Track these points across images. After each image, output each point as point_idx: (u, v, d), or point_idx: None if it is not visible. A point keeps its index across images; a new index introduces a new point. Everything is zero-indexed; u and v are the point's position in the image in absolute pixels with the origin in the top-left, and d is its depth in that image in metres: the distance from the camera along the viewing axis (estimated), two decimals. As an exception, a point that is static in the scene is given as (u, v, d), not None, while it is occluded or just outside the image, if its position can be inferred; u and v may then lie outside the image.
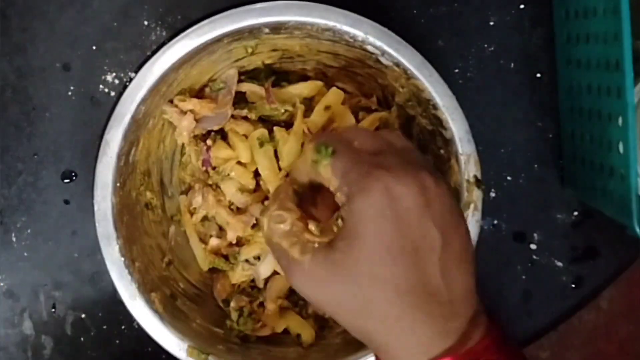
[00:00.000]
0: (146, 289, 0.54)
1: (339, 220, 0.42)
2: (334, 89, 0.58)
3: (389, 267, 0.40)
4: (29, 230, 0.58)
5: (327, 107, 0.57)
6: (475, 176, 0.53)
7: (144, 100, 0.53)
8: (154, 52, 0.54)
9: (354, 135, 0.45)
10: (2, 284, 0.58)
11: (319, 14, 0.53)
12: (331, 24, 0.53)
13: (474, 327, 0.42)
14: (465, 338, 0.41)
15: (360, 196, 0.41)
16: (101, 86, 0.58)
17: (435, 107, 0.53)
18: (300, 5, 0.53)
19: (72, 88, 0.58)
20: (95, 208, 0.53)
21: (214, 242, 0.59)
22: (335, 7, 0.53)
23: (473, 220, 0.53)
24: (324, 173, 0.44)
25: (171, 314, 0.55)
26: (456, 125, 0.53)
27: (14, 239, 0.58)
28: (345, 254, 0.41)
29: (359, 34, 0.53)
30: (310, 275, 0.42)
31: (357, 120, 0.58)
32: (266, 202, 0.54)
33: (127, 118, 0.53)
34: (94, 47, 0.57)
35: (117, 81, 0.58)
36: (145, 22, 0.58)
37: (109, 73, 0.58)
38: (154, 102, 0.55)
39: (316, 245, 0.43)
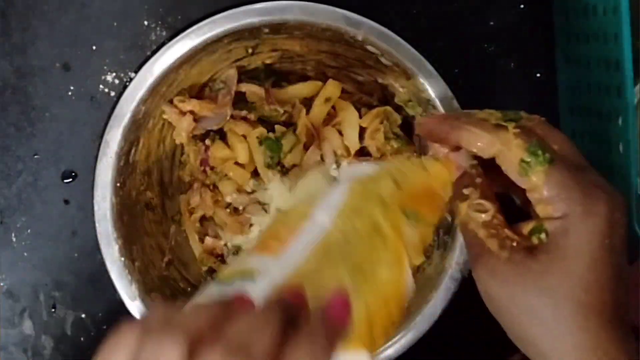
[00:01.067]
0: (146, 289, 0.54)
1: (543, 234, 0.41)
2: (331, 81, 0.58)
3: (597, 296, 0.39)
4: (29, 230, 0.58)
5: (327, 100, 0.57)
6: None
7: (143, 100, 0.53)
8: (154, 52, 0.54)
9: (550, 137, 0.43)
10: (2, 284, 0.58)
11: (318, 14, 0.53)
12: (331, 24, 0.53)
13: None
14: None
15: (583, 219, 0.40)
16: (101, 86, 0.58)
17: (435, 107, 0.53)
18: (300, 6, 0.53)
19: (72, 88, 0.58)
20: (95, 208, 0.53)
21: (208, 241, 0.59)
22: (335, 7, 0.53)
23: None
24: (535, 178, 0.41)
25: None
26: None
27: (14, 239, 0.58)
28: (548, 269, 0.40)
29: (359, 34, 0.53)
30: (501, 272, 0.41)
31: (360, 115, 0.58)
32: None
33: (127, 118, 0.53)
34: (94, 47, 0.57)
35: (117, 81, 0.58)
36: (145, 22, 0.58)
37: (109, 73, 0.58)
38: (154, 102, 0.55)
39: (515, 244, 0.41)
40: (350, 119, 0.57)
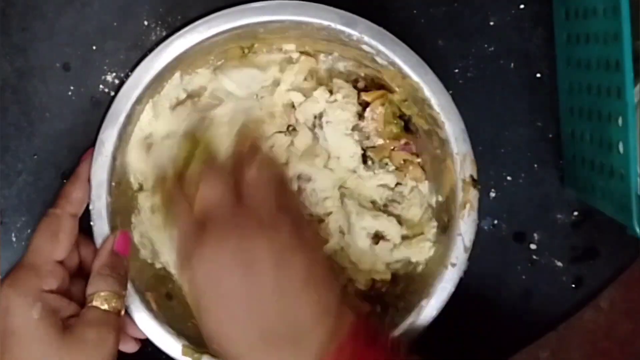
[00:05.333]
0: (141, 288, 0.54)
1: None
2: (303, 57, 0.57)
3: (225, 335, 0.46)
4: (29, 230, 0.58)
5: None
6: (471, 176, 0.53)
7: (139, 100, 0.53)
8: (149, 51, 0.54)
9: (202, 190, 0.49)
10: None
11: (313, 13, 0.52)
12: (326, 23, 0.52)
13: (330, 343, 0.44)
14: (321, 356, 0.44)
15: (183, 274, 0.49)
16: (101, 86, 0.58)
17: (430, 106, 0.53)
18: (295, 5, 0.53)
19: (72, 88, 0.58)
20: (91, 207, 0.53)
21: None
22: (330, 7, 0.52)
23: (470, 220, 0.53)
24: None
25: (166, 313, 0.55)
26: (451, 125, 0.53)
27: (14, 239, 0.58)
28: (199, 320, 0.48)
29: (354, 33, 0.53)
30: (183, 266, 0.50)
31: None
32: None
33: (121, 117, 0.53)
34: (94, 47, 0.57)
35: (117, 81, 0.58)
36: (145, 22, 0.58)
37: (109, 73, 0.58)
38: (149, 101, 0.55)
39: None
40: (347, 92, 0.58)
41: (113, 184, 0.54)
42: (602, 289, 0.62)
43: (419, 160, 0.58)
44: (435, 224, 0.57)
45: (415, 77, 0.53)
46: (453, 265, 0.53)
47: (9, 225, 0.58)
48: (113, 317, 0.50)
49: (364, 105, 0.57)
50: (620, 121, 0.48)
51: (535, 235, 0.61)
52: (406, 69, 0.53)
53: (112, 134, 0.53)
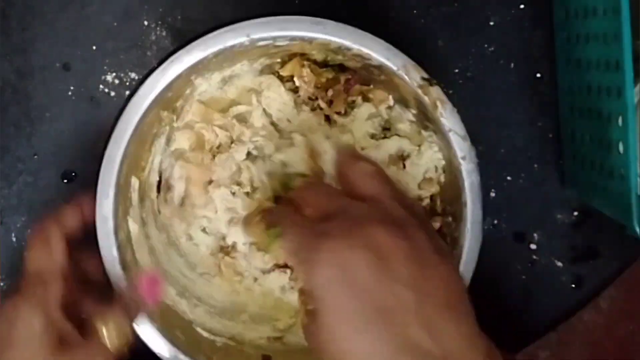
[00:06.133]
0: None
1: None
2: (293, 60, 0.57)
3: (356, 342, 0.38)
4: (29, 230, 0.58)
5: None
6: (422, 77, 0.53)
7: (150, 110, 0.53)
8: (160, 61, 0.54)
9: (307, 196, 0.44)
10: (2, 284, 0.58)
11: (313, 29, 0.53)
12: (330, 38, 0.53)
13: None
14: None
15: (311, 273, 0.39)
16: (101, 86, 0.58)
17: (349, 48, 0.53)
18: (312, 21, 0.53)
19: (72, 88, 0.58)
20: (98, 209, 0.53)
21: None
22: (327, 20, 0.53)
23: (448, 113, 0.52)
24: (280, 256, 0.45)
25: (165, 314, 0.55)
26: (377, 51, 0.52)
27: (14, 239, 0.58)
28: (315, 330, 0.40)
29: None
30: (307, 340, 0.42)
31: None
32: None
33: (128, 134, 0.53)
34: (94, 47, 0.57)
35: (117, 81, 0.58)
36: (145, 22, 0.58)
37: (109, 73, 0.58)
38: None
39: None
40: None
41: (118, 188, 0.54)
42: (602, 289, 0.62)
43: (371, 86, 0.58)
44: (425, 132, 0.57)
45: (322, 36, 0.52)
46: (463, 158, 0.53)
47: (9, 225, 0.58)
48: (106, 350, 0.47)
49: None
50: (620, 121, 0.48)
51: (535, 235, 0.61)
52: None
53: (119, 150, 0.53)
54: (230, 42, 0.52)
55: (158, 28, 0.58)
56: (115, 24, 0.58)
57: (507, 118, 0.60)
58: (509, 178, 0.61)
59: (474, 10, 0.60)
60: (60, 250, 0.49)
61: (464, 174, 0.53)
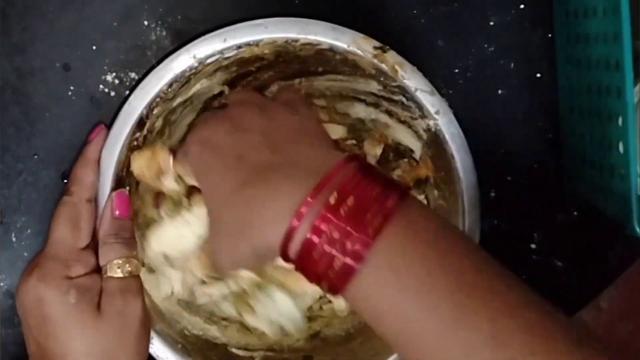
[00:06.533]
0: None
1: None
2: None
3: (216, 184, 0.44)
4: (29, 230, 0.58)
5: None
6: (374, 47, 0.53)
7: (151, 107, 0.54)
8: (162, 59, 0.54)
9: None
10: (2, 284, 0.58)
11: (306, 30, 0.53)
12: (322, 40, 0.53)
13: (328, 171, 0.40)
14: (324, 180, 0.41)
15: (187, 156, 0.48)
16: (101, 86, 0.58)
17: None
18: (326, 25, 0.53)
19: (72, 88, 0.57)
20: (99, 210, 0.54)
21: None
22: (267, 19, 0.53)
23: (410, 75, 0.53)
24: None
25: (197, 346, 0.56)
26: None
27: (14, 239, 0.58)
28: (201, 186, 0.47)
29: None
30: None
31: None
32: None
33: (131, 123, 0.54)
34: (94, 47, 0.57)
35: (117, 81, 0.58)
36: (145, 22, 0.58)
37: (109, 73, 0.58)
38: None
39: None
40: None
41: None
42: (602, 289, 0.62)
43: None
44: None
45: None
46: (437, 113, 0.54)
47: (9, 225, 0.58)
48: (131, 281, 0.51)
49: None
50: (620, 121, 0.48)
51: (535, 235, 0.61)
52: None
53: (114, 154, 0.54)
54: (180, 67, 0.53)
55: (158, 28, 0.58)
56: (115, 24, 0.57)
57: (507, 118, 0.60)
58: (509, 178, 0.61)
59: (474, 10, 0.60)
60: (87, 234, 0.52)
61: (443, 128, 0.54)
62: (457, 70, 0.60)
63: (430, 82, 0.54)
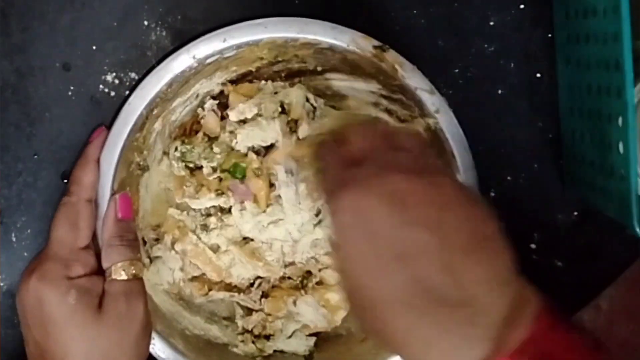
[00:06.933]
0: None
1: None
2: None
3: (375, 287, 0.38)
4: (29, 230, 0.58)
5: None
6: (373, 46, 0.53)
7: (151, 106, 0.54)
8: (161, 59, 0.54)
9: (351, 136, 0.45)
10: (2, 284, 0.58)
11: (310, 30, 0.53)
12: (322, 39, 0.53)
13: (512, 325, 0.37)
14: (500, 341, 0.37)
15: (333, 214, 0.41)
16: (101, 86, 0.58)
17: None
18: (319, 23, 0.54)
19: (72, 88, 0.57)
20: (98, 210, 0.54)
21: None
22: (267, 19, 0.53)
23: (409, 73, 0.53)
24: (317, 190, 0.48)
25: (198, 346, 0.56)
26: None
27: (14, 239, 0.58)
28: (343, 275, 0.41)
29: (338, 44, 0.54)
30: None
31: None
32: None
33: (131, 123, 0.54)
34: (94, 47, 0.57)
35: (117, 81, 0.58)
36: (145, 22, 0.58)
37: (109, 73, 0.58)
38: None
39: None
40: None
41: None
42: (602, 289, 0.62)
43: None
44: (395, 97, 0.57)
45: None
46: (437, 112, 0.54)
47: (9, 225, 0.58)
48: (135, 283, 0.51)
49: None
50: (620, 121, 0.48)
51: (535, 235, 0.61)
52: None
53: (113, 157, 0.54)
54: (180, 68, 0.53)
55: (158, 28, 0.58)
56: (115, 24, 0.57)
57: (507, 118, 0.60)
58: (509, 178, 0.61)
59: (474, 10, 0.60)
60: (87, 234, 0.52)
61: (443, 126, 0.54)
62: (457, 70, 0.60)
63: (430, 82, 0.54)
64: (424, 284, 0.37)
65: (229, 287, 0.58)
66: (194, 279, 0.58)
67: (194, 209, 0.58)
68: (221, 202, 0.56)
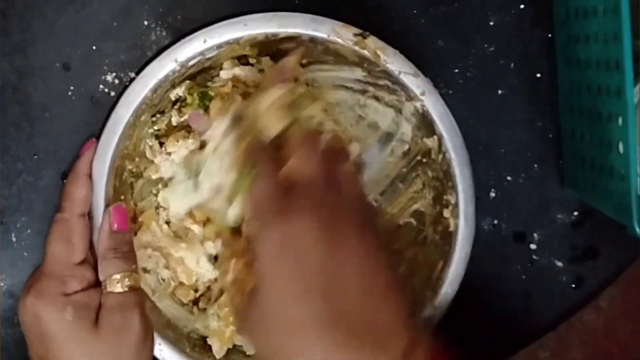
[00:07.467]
0: None
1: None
2: None
3: (294, 310, 0.41)
4: (29, 230, 0.58)
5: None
6: (354, 34, 0.53)
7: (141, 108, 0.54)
8: (151, 57, 0.54)
9: (296, 150, 0.45)
10: (2, 284, 0.58)
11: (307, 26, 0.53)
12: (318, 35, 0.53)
13: (413, 355, 0.41)
14: None
15: (259, 237, 0.42)
16: (101, 86, 0.58)
17: None
18: (304, 17, 0.53)
19: (72, 88, 0.57)
20: (94, 214, 0.54)
21: None
22: (246, 16, 0.53)
23: (392, 58, 0.53)
24: (244, 197, 0.46)
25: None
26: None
27: (14, 239, 0.58)
28: (255, 298, 0.42)
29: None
30: (240, 319, 0.44)
31: None
32: None
33: (124, 122, 0.53)
34: (94, 47, 0.57)
35: (117, 81, 0.58)
36: (145, 22, 0.58)
37: (109, 73, 0.58)
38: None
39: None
40: None
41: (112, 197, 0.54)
42: (602, 289, 0.62)
43: None
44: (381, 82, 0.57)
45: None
46: (423, 94, 0.53)
47: (9, 225, 0.58)
48: (130, 295, 0.51)
49: None
50: (620, 121, 0.48)
51: (535, 235, 0.61)
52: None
53: (106, 162, 0.53)
54: (163, 72, 0.53)
55: (158, 28, 0.58)
56: (115, 24, 0.57)
57: (507, 118, 0.60)
58: (509, 178, 0.61)
59: (474, 10, 0.60)
60: (82, 249, 0.52)
61: (430, 108, 0.53)
62: (457, 70, 0.60)
63: (430, 82, 0.54)
64: (343, 314, 0.41)
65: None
66: (179, 285, 0.58)
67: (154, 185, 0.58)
68: (189, 145, 0.56)
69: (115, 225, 0.52)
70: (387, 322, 0.42)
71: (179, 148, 0.56)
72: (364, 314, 0.41)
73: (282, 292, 0.41)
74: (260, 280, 0.42)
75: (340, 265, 0.41)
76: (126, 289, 0.50)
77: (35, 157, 0.58)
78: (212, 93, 0.55)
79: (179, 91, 0.56)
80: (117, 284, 0.50)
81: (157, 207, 0.57)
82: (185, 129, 0.57)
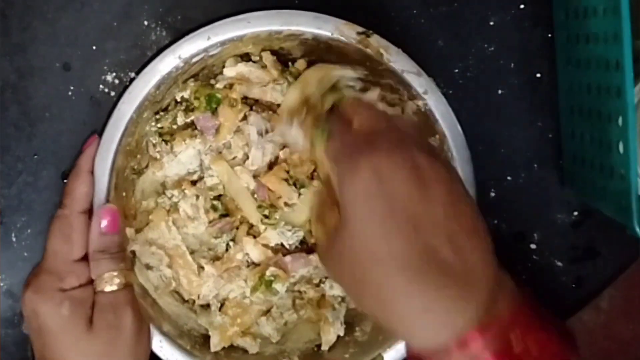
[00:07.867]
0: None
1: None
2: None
3: (384, 245, 0.41)
4: (29, 230, 0.58)
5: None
6: (357, 32, 0.53)
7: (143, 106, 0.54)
8: (155, 54, 0.54)
9: (356, 112, 0.46)
10: (2, 284, 0.58)
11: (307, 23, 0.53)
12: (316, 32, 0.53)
13: (497, 299, 0.42)
14: (490, 310, 0.41)
15: (347, 177, 0.42)
16: (101, 86, 0.58)
17: None
18: (306, 15, 0.53)
19: (72, 88, 0.58)
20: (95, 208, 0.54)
21: None
22: (249, 13, 0.53)
23: (396, 57, 0.53)
24: (320, 157, 0.46)
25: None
26: None
27: (14, 239, 0.58)
28: (341, 236, 0.42)
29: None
30: (325, 257, 0.45)
31: None
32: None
33: (125, 120, 0.53)
34: (94, 47, 0.57)
35: (117, 81, 0.58)
36: (145, 22, 0.58)
37: (109, 73, 0.58)
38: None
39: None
40: None
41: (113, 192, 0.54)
42: (602, 289, 0.62)
43: None
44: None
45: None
46: (425, 93, 0.54)
47: (9, 225, 0.58)
48: (122, 293, 0.51)
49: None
50: (620, 121, 0.48)
51: (535, 235, 0.61)
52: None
53: (109, 156, 0.53)
54: (166, 69, 0.53)
55: (158, 28, 0.58)
56: (115, 24, 0.57)
57: (507, 118, 0.60)
58: (509, 178, 0.61)
59: (473, 10, 0.60)
60: (81, 246, 0.52)
61: (432, 107, 0.54)
62: (457, 70, 0.60)
63: (433, 81, 0.54)
64: (431, 251, 0.40)
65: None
66: (180, 285, 0.58)
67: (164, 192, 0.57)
68: (196, 144, 0.56)
69: (104, 228, 0.52)
70: (474, 264, 0.41)
71: (186, 148, 0.56)
72: (451, 253, 0.41)
73: (371, 227, 0.41)
74: (349, 217, 0.42)
75: (430, 204, 0.41)
76: (116, 287, 0.51)
77: (35, 157, 0.58)
78: (219, 95, 0.55)
79: (185, 94, 0.56)
80: (106, 283, 0.51)
81: (168, 210, 0.57)
82: (191, 127, 0.57)
